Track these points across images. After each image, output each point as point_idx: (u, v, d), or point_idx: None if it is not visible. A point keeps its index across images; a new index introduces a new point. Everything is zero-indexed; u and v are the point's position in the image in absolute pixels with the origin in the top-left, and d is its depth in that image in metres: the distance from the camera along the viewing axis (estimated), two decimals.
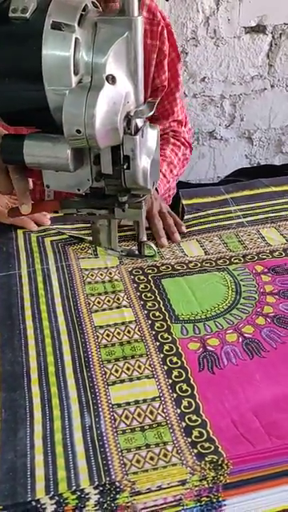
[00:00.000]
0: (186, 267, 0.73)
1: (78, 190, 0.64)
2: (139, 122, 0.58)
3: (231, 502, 0.49)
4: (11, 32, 0.55)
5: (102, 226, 0.70)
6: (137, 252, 0.73)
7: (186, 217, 0.83)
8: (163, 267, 0.73)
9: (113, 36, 0.55)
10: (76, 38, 0.54)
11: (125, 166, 0.59)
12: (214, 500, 0.49)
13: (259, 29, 1.69)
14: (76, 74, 0.55)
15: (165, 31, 0.96)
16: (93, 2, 0.58)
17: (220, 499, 0.49)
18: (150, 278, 0.71)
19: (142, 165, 0.60)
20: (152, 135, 0.60)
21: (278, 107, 1.85)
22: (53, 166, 0.61)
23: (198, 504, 0.49)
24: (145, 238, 0.74)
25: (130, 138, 0.58)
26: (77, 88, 0.56)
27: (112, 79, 0.56)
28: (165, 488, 0.47)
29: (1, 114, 0.59)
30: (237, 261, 0.74)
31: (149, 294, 0.68)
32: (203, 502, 0.49)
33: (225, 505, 0.49)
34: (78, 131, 0.56)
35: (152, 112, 0.60)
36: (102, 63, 0.55)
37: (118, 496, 0.46)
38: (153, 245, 0.75)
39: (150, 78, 1.01)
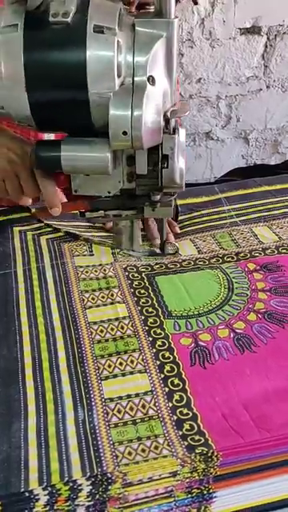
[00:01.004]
0: (179, 266, 0.73)
1: (109, 192, 0.65)
2: (172, 121, 0.60)
3: (222, 493, 0.50)
4: (53, 37, 0.55)
5: (124, 228, 0.71)
6: (158, 251, 0.75)
7: (180, 218, 0.84)
8: (157, 265, 0.74)
9: (152, 38, 0.56)
10: (118, 41, 0.55)
11: (164, 165, 0.61)
12: (205, 492, 0.50)
13: (254, 30, 1.70)
14: (119, 76, 0.56)
15: None
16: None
17: (211, 491, 0.50)
18: (143, 275, 0.72)
19: (178, 163, 0.61)
20: (182, 134, 0.61)
21: (273, 108, 1.86)
22: (91, 170, 0.61)
23: (189, 496, 0.50)
24: (172, 238, 0.76)
25: (170, 137, 0.60)
26: (120, 90, 0.56)
27: (152, 80, 0.57)
28: (156, 479, 0.48)
29: (38, 118, 0.58)
30: (229, 259, 0.75)
31: (142, 291, 0.68)
32: (194, 494, 0.50)
33: (215, 496, 0.50)
34: (125, 133, 0.56)
35: (188, 113, 0.62)
36: (143, 65, 0.56)
37: (109, 487, 0.47)
38: (175, 242, 0.77)
39: None
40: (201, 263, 0.74)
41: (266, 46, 1.75)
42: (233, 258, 0.75)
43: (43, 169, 0.64)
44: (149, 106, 0.56)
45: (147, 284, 0.70)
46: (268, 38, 1.73)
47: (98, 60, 0.55)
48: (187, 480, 0.49)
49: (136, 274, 0.72)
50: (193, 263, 0.74)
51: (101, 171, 0.61)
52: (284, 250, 0.75)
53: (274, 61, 1.77)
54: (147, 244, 0.79)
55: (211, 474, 0.49)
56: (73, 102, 0.57)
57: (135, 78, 0.57)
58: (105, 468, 0.47)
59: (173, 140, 0.60)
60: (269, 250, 0.76)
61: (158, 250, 0.76)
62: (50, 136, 0.80)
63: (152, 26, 0.56)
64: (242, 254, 0.75)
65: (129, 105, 0.56)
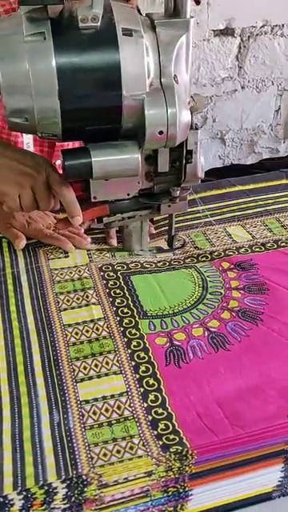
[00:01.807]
0: (154, 265, 0.74)
1: (128, 194, 0.66)
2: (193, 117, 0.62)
3: (198, 491, 0.51)
4: (84, 42, 0.55)
5: (134, 229, 0.73)
6: (166, 247, 0.77)
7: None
8: (132, 264, 0.74)
9: (173, 38, 0.58)
10: (145, 43, 0.56)
11: (189, 160, 0.63)
12: (181, 490, 0.50)
13: (228, 32, 1.71)
14: (148, 77, 0.57)
15: None
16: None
17: (187, 489, 0.50)
18: (119, 274, 0.72)
19: (200, 157, 0.64)
20: (197, 129, 0.64)
21: (249, 108, 1.88)
22: (120, 173, 0.62)
23: (166, 495, 0.50)
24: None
25: (194, 132, 0.62)
26: (152, 91, 0.58)
27: (176, 78, 0.59)
28: (132, 480, 0.48)
29: (67, 127, 0.57)
30: (204, 258, 0.75)
31: (118, 291, 0.69)
32: (170, 493, 0.50)
33: (191, 494, 0.51)
34: (161, 132, 0.58)
35: (206, 108, 0.64)
36: (168, 64, 0.58)
37: (85, 489, 0.47)
38: (183, 236, 0.78)
39: None
40: (176, 263, 0.74)
41: (240, 48, 1.77)
42: (207, 257, 0.75)
43: (73, 178, 0.63)
44: (179, 104, 0.58)
45: (122, 284, 0.70)
46: (241, 40, 1.75)
47: (131, 63, 0.56)
48: (163, 479, 0.49)
49: (111, 274, 0.72)
50: (168, 263, 0.74)
51: (131, 173, 0.62)
52: (257, 249, 0.76)
53: (248, 62, 1.79)
54: (152, 242, 0.79)
55: (186, 472, 0.49)
56: (106, 107, 0.57)
57: (162, 78, 0.58)
58: (80, 470, 0.47)
59: (197, 135, 0.62)
60: (242, 249, 0.76)
61: (165, 247, 0.77)
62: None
63: (171, 27, 0.58)
64: (216, 253, 0.76)
65: (163, 104, 0.57)
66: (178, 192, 0.66)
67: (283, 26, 1.74)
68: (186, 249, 0.76)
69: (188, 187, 0.68)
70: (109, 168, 0.60)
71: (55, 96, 0.55)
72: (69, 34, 0.54)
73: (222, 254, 0.76)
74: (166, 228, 0.83)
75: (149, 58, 0.57)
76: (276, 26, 1.74)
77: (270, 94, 1.88)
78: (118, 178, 0.63)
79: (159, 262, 0.75)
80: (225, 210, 0.86)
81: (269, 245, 0.77)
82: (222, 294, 0.68)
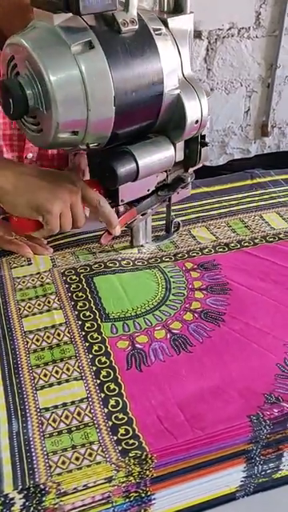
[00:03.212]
0: (118, 264, 0.73)
1: (148, 190, 0.68)
2: None
3: (160, 495, 0.50)
4: (131, 46, 0.56)
5: (141, 224, 0.75)
6: (164, 233, 0.79)
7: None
8: (96, 265, 0.73)
9: (183, 32, 0.61)
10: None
11: (204, 144, 0.67)
12: (143, 495, 0.50)
13: (195, 34, 1.72)
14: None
15: None
16: None
17: (149, 493, 0.50)
18: (82, 277, 0.71)
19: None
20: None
21: (218, 110, 1.89)
22: (157, 171, 0.65)
23: (128, 500, 0.49)
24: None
25: (206, 116, 0.64)
26: (182, 84, 0.61)
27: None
28: (91, 487, 0.47)
29: (115, 134, 0.57)
30: (167, 259, 0.75)
31: (80, 294, 0.68)
32: (132, 498, 0.49)
33: (154, 499, 0.50)
34: (196, 121, 0.62)
35: (209, 96, 0.67)
36: (185, 58, 0.61)
37: (43, 498, 0.46)
38: (178, 220, 0.80)
39: None
40: (139, 264, 0.74)
41: (208, 50, 1.78)
42: (171, 258, 0.75)
43: (122, 184, 0.63)
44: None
45: (85, 286, 0.69)
46: (209, 42, 1.76)
47: (167, 60, 0.59)
48: (124, 484, 0.48)
49: (74, 277, 0.71)
50: (132, 263, 0.74)
51: (166, 168, 0.66)
52: (221, 249, 0.76)
53: (216, 64, 1.81)
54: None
55: (147, 476, 0.49)
56: (150, 107, 0.60)
57: (184, 72, 0.61)
58: (37, 479, 0.47)
59: (208, 120, 0.65)
60: (206, 250, 0.76)
61: (162, 233, 0.80)
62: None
63: (180, 22, 0.60)
64: (180, 255, 0.76)
65: (194, 95, 0.62)
66: (190, 177, 0.70)
67: (249, 28, 1.76)
68: (179, 232, 0.79)
69: (191, 172, 0.72)
70: (152, 166, 0.63)
71: (111, 103, 0.55)
72: (113, 39, 0.54)
73: (186, 255, 0.76)
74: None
75: (174, 53, 0.60)
76: (242, 28, 1.76)
77: (239, 95, 1.90)
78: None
79: (123, 260, 0.74)
80: (189, 211, 0.86)
81: (232, 245, 0.77)
82: (184, 295, 0.68)
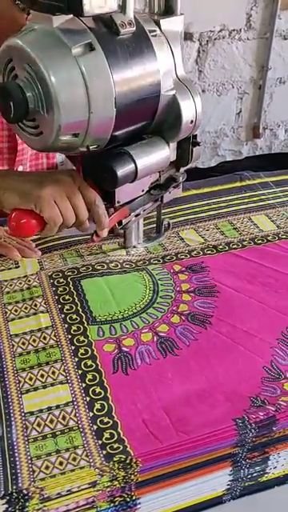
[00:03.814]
0: (106, 267, 0.73)
1: (142, 190, 0.69)
2: None
3: (145, 499, 0.50)
4: (129, 48, 0.56)
5: (134, 225, 0.75)
6: (154, 234, 0.79)
7: None
8: (83, 268, 0.73)
9: (175, 34, 0.61)
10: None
11: (197, 144, 0.67)
12: (128, 499, 0.49)
13: (186, 36, 1.72)
14: None
15: None
16: None
17: (134, 498, 0.50)
18: (69, 280, 0.71)
19: None
20: None
21: (210, 111, 1.90)
22: (156, 169, 0.66)
23: (112, 505, 0.49)
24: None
25: (201, 117, 0.65)
26: (177, 85, 0.62)
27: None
28: (75, 491, 0.47)
29: (115, 136, 0.57)
30: (156, 261, 0.75)
31: (67, 297, 0.68)
32: (117, 502, 0.49)
33: (139, 503, 0.50)
34: (191, 121, 0.63)
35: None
36: (178, 58, 0.61)
37: (27, 504, 0.46)
38: (168, 220, 0.80)
39: None
40: (127, 266, 0.74)
41: (199, 52, 1.78)
42: (159, 260, 0.75)
43: (121, 185, 0.62)
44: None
45: (72, 289, 0.69)
46: (200, 44, 1.77)
47: (163, 61, 0.59)
48: (108, 489, 0.48)
49: (61, 280, 0.71)
50: (120, 265, 0.74)
51: (163, 167, 0.66)
52: (209, 251, 0.76)
53: (208, 66, 1.81)
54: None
55: (132, 480, 0.48)
56: (147, 107, 0.60)
57: (177, 72, 0.62)
58: (20, 484, 0.46)
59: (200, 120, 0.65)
60: (194, 252, 0.76)
61: (153, 234, 0.80)
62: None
63: (171, 24, 0.60)
64: (168, 257, 0.76)
65: (189, 95, 0.62)
66: (181, 176, 0.71)
67: (240, 30, 1.77)
68: (168, 234, 0.80)
69: (183, 171, 0.73)
70: (149, 167, 0.63)
71: (112, 105, 0.55)
72: (112, 41, 0.54)
73: (174, 257, 0.75)
74: (121, 231, 0.83)
75: (169, 54, 0.61)
76: (233, 30, 1.76)
77: (230, 97, 1.90)
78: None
79: (111, 262, 0.74)
80: (179, 213, 0.86)
81: (220, 247, 0.77)
82: (172, 297, 0.68)
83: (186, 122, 0.62)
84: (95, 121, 0.54)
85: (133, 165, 0.60)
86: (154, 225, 0.81)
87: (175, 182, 0.71)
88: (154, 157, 0.63)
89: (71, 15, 0.52)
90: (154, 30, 0.59)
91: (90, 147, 0.57)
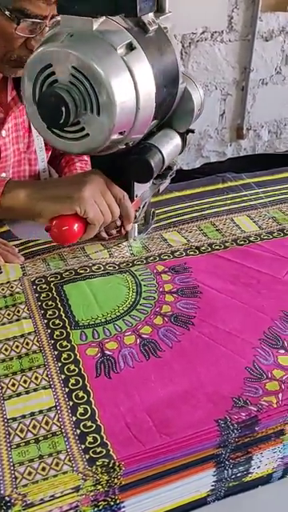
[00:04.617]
0: (89, 270, 0.73)
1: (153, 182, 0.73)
2: None
3: (130, 502, 0.50)
4: (159, 45, 0.59)
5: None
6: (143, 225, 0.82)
7: None
8: (66, 273, 0.73)
9: (171, 30, 0.63)
10: None
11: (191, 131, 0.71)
12: (112, 503, 0.49)
13: None
14: None
15: None
16: None
17: (118, 501, 0.49)
18: (52, 285, 0.70)
19: None
20: None
21: None
22: (173, 158, 0.69)
23: (96, 509, 0.49)
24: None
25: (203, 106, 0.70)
26: (183, 78, 0.65)
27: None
28: (58, 497, 0.47)
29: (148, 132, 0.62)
30: (139, 262, 0.75)
31: (50, 302, 0.67)
32: (101, 507, 0.49)
33: (124, 506, 0.50)
34: (199, 110, 0.68)
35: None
36: (178, 54, 0.64)
37: (9, 511, 0.45)
38: (152, 209, 0.83)
39: None
40: (110, 268, 0.74)
41: (182, 54, 1.79)
42: (142, 261, 0.75)
43: (153, 177, 0.66)
44: None
45: (55, 294, 0.69)
46: (183, 46, 1.77)
47: (177, 57, 0.63)
48: (92, 493, 0.48)
49: (44, 286, 0.70)
50: (103, 268, 0.74)
51: (177, 154, 0.70)
52: (192, 252, 0.77)
53: (191, 67, 1.82)
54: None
55: (116, 484, 0.48)
56: (172, 100, 0.64)
57: (179, 67, 0.64)
58: (2, 491, 0.46)
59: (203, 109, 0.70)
60: (177, 253, 0.77)
61: (142, 226, 0.82)
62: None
63: (165, 21, 0.62)
64: (151, 258, 0.76)
65: (194, 86, 0.67)
66: (175, 166, 0.74)
67: (222, 32, 1.78)
68: (151, 235, 0.81)
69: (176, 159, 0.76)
70: (170, 157, 0.67)
71: (153, 100, 0.58)
72: (144, 39, 0.57)
73: (157, 258, 0.76)
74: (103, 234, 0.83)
75: (177, 49, 0.64)
76: (215, 32, 1.78)
77: (214, 98, 1.91)
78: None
79: (94, 265, 0.74)
80: (161, 216, 0.86)
81: (203, 248, 0.77)
82: (155, 298, 0.68)
83: (197, 112, 0.67)
84: (140, 117, 0.57)
85: (161, 156, 0.64)
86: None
87: (171, 170, 0.75)
88: (172, 146, 0.67)
89: (103, 17, 0.54)
90: (166, 27, 0.62)
91: (130, 144, 0.61)
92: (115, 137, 0.57)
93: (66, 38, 0.54)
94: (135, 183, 0.69)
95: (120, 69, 0.54)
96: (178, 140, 0.68)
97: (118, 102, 0.54)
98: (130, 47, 0.55)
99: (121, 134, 0.57)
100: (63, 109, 0.53)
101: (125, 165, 0.64)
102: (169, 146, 0.66)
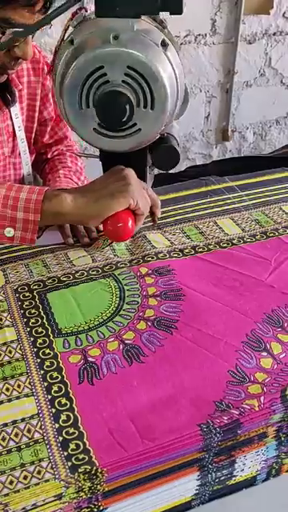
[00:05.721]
0: (72, 277, 0.73)
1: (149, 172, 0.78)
2: None
3: (113, 509, 0.50)
4: (171, 39, 0.62)
5: None
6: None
7: None
8: (49, 281, 0.72)
9: (169, 34, 0.66)
10: None
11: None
12: (95, 510, 0.49)
13: None
14: None
15: (45, 67, 0.99)
16: None
17: (101, 508, 0.49)
18: (35, 293, 0.70)
19: None
20: None
21: None
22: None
23: None
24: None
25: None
26: None
27: None
28: (41, 505, 0.46)
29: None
30: (123, 265, 0.75)
31: (33, 311, 0.67)
32: None
33: None
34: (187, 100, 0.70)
35: None
36: None
37: None
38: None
39: (37, 112, 1.02)
40: (94, 273, 0.74)
41: None
42: (126, 264, 0.75)
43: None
44: None
45: (38, 303, 0.68)
46: None
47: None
48: (75, 500, 0.48)
49: (27, 294, 0.70)
50: (86, 273, 0.74)
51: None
52: (175, 255, 0.77)
53: None
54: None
55: (99, 491, 0.48)
56: (182, 89, 0.66)
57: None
58: None
59: None
60: (161, 254, 0.77)
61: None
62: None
63: (161, 23, 0.65)
64: (135, 260, 0.76)
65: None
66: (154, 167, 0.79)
67: (206, 35, 1.79)
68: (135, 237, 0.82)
69: None
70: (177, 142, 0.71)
71: (183, 92, 0.64)
72: (167, 36, 0.61)
73: (141, 260, 0.76)
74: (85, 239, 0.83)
75: None
76: (199, 35, 1.78)
77: (198, 100, 1.92)
78: None
79: (77, 272, 0.74)
80: (146, 219, 0.86)
81: (186, 251, 0.78)
82: (138, 303, 0.68)
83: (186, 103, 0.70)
84: (177, 109, 0.63)
85: (175, 141, 0.68)
86: None
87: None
88: (176, 133, 0.70)
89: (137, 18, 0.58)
90: (166, 26, 0.64)
91: (164, 134, 0.66)
92: (162, 128, 0.62)
93: (115, 39, 0.57)
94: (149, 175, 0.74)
95: (166, 64, 0.59)
96: (177, 126, 0.72)
97: (169, 94, 0.59)
98: (164, 43, 0.59)
99: (164, 125, 0.62)
100: (127, 107, 0.58)
101: (141, 156, 0.67)
102: (175, 132, 0.70)
